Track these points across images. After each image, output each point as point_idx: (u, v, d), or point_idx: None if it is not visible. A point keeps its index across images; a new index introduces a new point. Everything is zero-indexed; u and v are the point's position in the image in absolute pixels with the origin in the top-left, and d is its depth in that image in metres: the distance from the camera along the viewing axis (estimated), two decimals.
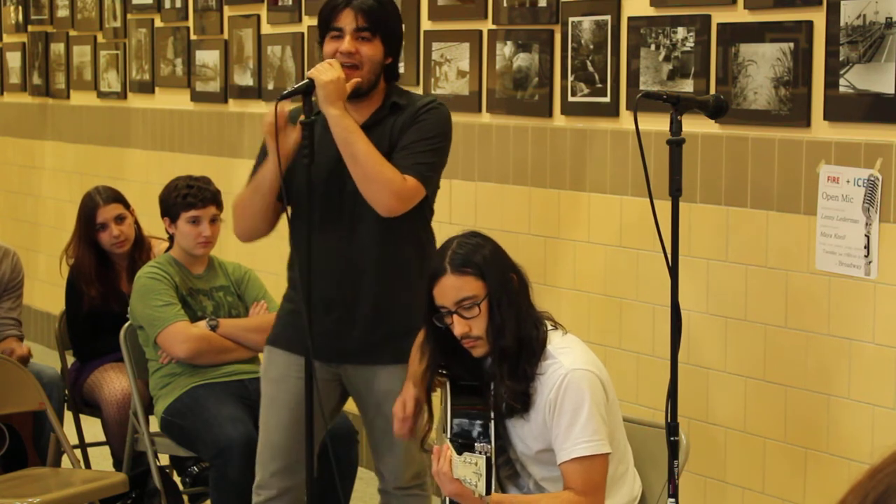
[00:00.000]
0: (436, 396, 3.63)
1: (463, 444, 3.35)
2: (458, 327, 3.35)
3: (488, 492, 3.12)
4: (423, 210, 3.90)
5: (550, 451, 3.36)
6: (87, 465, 5.39)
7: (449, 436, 3.40)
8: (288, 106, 3.74)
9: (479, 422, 3.41)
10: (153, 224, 5.37)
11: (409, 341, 3.82)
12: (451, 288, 3.35)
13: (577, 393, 3.29)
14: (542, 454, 3.38)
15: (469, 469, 3.11)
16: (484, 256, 3.38)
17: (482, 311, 3.35)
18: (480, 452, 3.19)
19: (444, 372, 3.52)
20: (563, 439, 3.30)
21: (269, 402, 3.97)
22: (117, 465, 5.13)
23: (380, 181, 3.71)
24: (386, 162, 3.74)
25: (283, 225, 3.93)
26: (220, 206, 4.86)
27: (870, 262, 3.93)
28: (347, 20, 3.76)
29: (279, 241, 3.70)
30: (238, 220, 3.94)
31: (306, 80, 3.68)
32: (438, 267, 3.39)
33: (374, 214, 3.78)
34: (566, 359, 3.34)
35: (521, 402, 3.34)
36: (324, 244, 3.82)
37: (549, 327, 3.44)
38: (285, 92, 3.69)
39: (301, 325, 3.78)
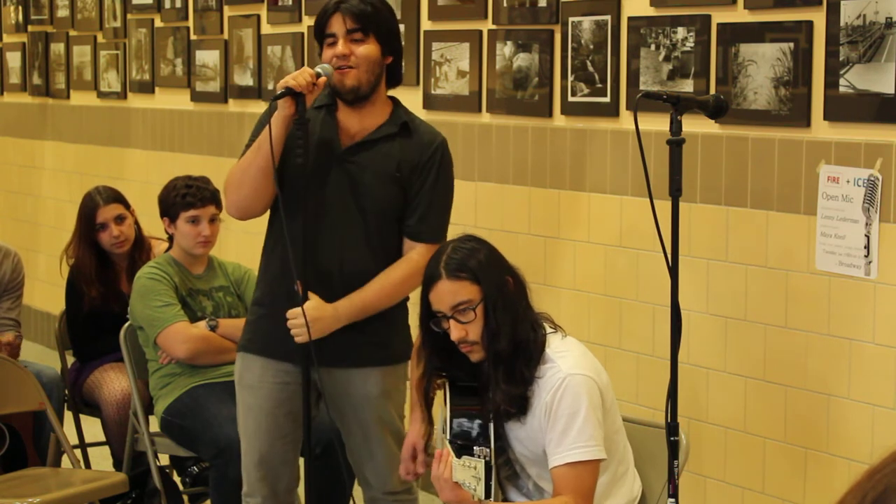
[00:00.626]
0: (437, 397, 3.63)
1: (462, 445, 3.35)
2: (455, 332, 3.35)
3: (487, 496, 3.12)
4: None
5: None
6: (87, 465, 5.39)
7: (448, 437, 3.39)
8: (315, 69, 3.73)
9: (478, 422, 3.41)
10: (153, 224, 5.37)
11: (385, 344, 3.82)
12: (447, 293, 3.35)
13: (574, 398, 3.28)
14: (542, 455, 3.37)
15: (468, 473, 3.11)
16: (479, 261, 3.38)
17: (478, 316, 3.34)
18: (479, 456, 3.19)
19: (443, 374, 3.52)
20: (557, 444, 3.29)
21: (247, 409, 3.93)
22: (117, 465, 5.13)
23: (410, 287, 3.79)
24: (393, 277, 3.79)
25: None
26: (219, 205, 4.86)
27: (870, 262, 3.92)
28: (338, 24, 3.77)
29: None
30: (228, 196, 3.89)
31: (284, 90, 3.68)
32: (434, 272, 3.38)
33: (353, 222, 3.78)
34: (564, 363, 3.33)
35: (518, 406, 3.34)
36: (307, 243, 3.80)
37: (549, 330, 3.43)
38: (276, 94, 3.70)
39: (274, 329, 3.77)
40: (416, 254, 3.80)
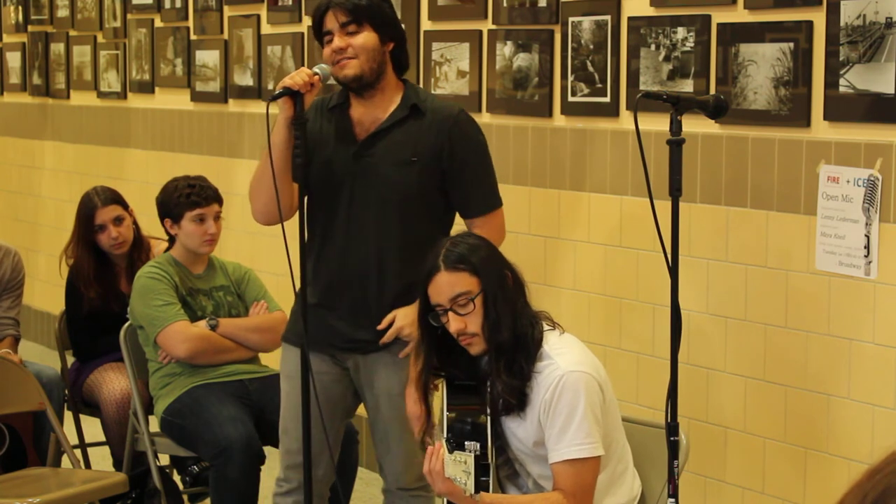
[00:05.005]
0: (436, 397, 3.63)
1: (458, 443, 3.35)
2: (454, 324, 3.36)
3: (478, 490, 3.12)
4: (445, 217, 3.95)
5: (545, 445, 3.36)
6: (87, 465, 5.39)
7: (445, 435, 3.40)
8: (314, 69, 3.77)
9: (474, 421, 3.41)
10: (153, 224, 5.36)
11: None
12: (446, 284, 3.36)
13: (573, 395, 3.29)
14: (538, 448, 3.37)
15: (459, 467, 3.12)
16: (478, 254, 3.39)
17: (477, 307, 3.35)
18: (470, 451, 3.19)
19: (441, 373, 3.53)
20: (556, 440, 3.30)
21: (286, 397, 4.01)
22: (117, 465, 5.13)
23: None
24: None
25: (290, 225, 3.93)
26: (221, 203, 4.87)
27: (870, 262, 3.92)
28: (331, 21, 3.83)
29: (279, 241, 3.70)
30: (252, 205, 3.97)
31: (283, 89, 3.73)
32: (433, 265, 3.40)
33: (381, 213, 3.82)
34: (563, 360, 3.34)
35: (517, 399, 3.34)
36: (339, 238, 3.86)
37: (547, 327, 3.43)
38: (274, 94, 3.74)
39: (314, 320, 3.81)
40: (477, 229, 3.84)
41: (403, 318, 3.82)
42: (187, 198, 4.79)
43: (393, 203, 3.84)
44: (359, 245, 3.86)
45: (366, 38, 3.81)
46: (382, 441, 3.98)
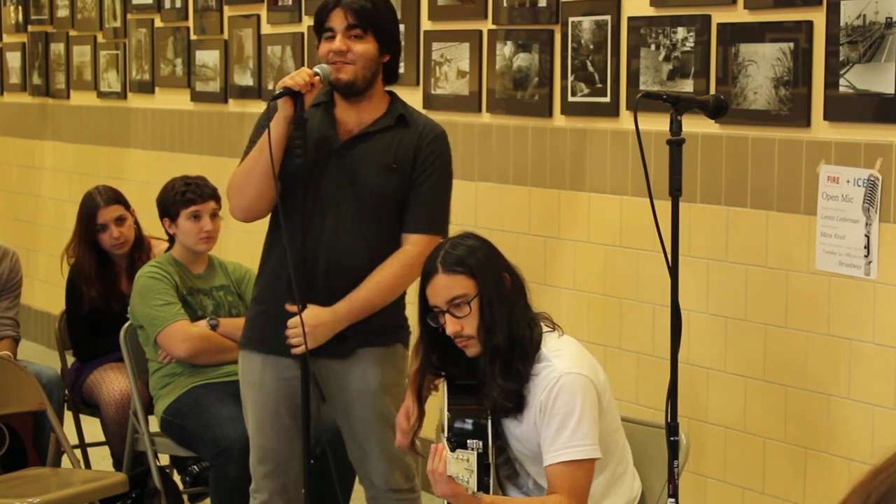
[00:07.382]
0: (436, 398, 3.63)
1: (458, 443, 3.36)
2: (450, 326, 3.36)
3: (480, 488, 3.12)
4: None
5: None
6: (87, 465, 5.39)
7: (446, 435, 3.40)
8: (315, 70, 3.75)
9: (475, 421, 3.41)
10: (153, 224, 5.37)
11: (384, 339, 3.83)
12: (443, 287, 3.36)
13: (570, 397, 3.29)
14: (539, 453, 3.37)
15: (461, 466, 3.12)
16: (476, 256, 3.39)
17: (473, 310, 3.35)
18: (472, 449, 3.19)
19: (441, 372, 3.53)
20: (552, 442, 3.29)
21: (251, 405, 3.96)
22: (117, 465, 5.13)
23: (408, 279, 3.81)
24: (389, 271, 3.80)
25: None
26: (218, 201, 4.87)
27: (870, 262, 3.93)
28: (338, 20, 3.80)
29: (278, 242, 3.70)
30: (232, 200, 3.90)
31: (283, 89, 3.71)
32: (431, 267, 3.40)
33: (353, 214, 3.80)
34: (560, 362, 3.33)
35: (514, 402, 3.34)
36: (309, 238, 3.81)
37: (546, 329, 3.43)
38: (274, 94, 3.72)
39: (273, 326, 3.80)
40: (410, 245, 3.83)
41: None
42: (182, 195, 4.80)
43: (367, 205, 3.81)
44: (329, 245, 3.81)
45: (367, 47, 3.79)
46: (363, 444, 3.93)
